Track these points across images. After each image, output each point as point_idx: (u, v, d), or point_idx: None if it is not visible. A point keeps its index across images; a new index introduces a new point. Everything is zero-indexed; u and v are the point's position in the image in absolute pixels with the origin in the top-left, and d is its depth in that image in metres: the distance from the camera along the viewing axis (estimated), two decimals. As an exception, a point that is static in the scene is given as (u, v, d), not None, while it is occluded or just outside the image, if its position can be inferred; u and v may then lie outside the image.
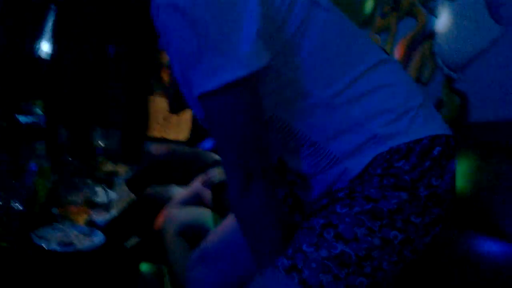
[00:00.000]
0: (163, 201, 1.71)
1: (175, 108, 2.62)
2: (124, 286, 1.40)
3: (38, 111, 1.88)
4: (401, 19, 1.80)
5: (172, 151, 2.00)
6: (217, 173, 1.54)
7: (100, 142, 1.91)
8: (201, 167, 1.92)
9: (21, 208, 1.07)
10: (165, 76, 4.37)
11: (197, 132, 2.47)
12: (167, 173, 1.95)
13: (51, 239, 1.08)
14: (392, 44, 1.85)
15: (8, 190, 1.08)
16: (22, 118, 1.42)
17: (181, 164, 1.97)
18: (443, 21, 1.52)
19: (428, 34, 1.60)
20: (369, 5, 2.18)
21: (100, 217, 1.29)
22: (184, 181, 1.87)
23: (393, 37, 1.85)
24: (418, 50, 1.67)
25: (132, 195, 1.60)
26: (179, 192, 1.79)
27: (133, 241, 1.69)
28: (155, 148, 2.03)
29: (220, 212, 1.39)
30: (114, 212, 1.36)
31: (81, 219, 1.22)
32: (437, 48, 1.56)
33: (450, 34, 1.49)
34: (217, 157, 2.08)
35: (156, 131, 4.78)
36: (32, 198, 1.20)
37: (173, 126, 4.04)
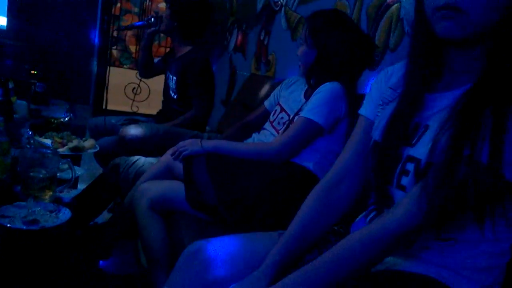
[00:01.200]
0: (131, 174, 1.67)
1: (147, 72, 2.55)
2: (97, 263, 1.37)
3: (-6, 84, 1.77)
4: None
5: (144, 135, 1.93)
6: (187, 145, 1.51)
7: (64, 116, 1.83)
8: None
9: (-21, 186, 1.01)
10: (132, 47, 4.21)
11: (169, 104, 2.42)
12: (139, 153, 1.90)
13: (14, 218, 1.04)
14: (360, 10, 1.83)
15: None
16: (-24, 92, 1.33)
17: (154, 147, 1.92)
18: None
19: (396, -1, 1.59)
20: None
21: (66, 194, 1.24)
22: (153, 153, 1.83)
23: (361, 2, 1.83)
24: (385, 15, 1.66)
25: (100, 169, 1.56)
26: (147, 162, 1.76)
27: (104, 216, 1.65)
28: (125, 130, 1.94)
29: (190, 184, 1.37)
30: (81, 187, 1.32)
31: (47, 196, 1.18)
32: (404, 13, 1.55)
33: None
34: (193, 134, 2.05)
35: (125, 106, 4.66)
36: (-9, 176, 1.15)
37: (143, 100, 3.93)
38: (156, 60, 2.60)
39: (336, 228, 0.93)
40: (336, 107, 1.39)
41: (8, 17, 3.59)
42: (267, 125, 1.65)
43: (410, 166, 0.73)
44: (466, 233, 0.71)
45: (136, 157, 1.80)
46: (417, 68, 0.79)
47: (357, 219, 0.92)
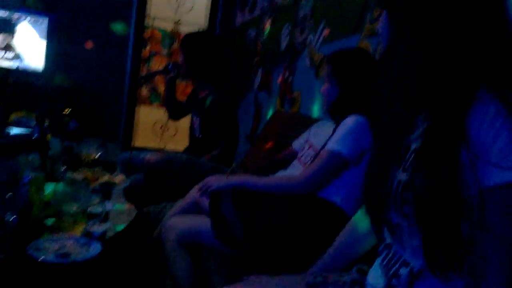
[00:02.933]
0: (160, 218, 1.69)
1: (174, 114, 2.63)
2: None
3: (32, 122, 1.86)
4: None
5: (167, 158, 1.99)
6: (214, 181, 1.52)
7: (96, 153, 1.89)
8: (197, 174, 1.92)
9: (16, 220, 1.05)
10: (161, 86, 4.35)
11: (195, 142, 2.47)
12: (163, 180, 1.94)
13: (47, 251, 1.06)
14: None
15: (3, 202, 1.06)
16: (16, 130, 1.40)
17: (177, 171, 1.96)
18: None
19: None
20: (358, 11, 2.20)
21: (97, 228, 1.27)
22: (180, 189, 1.86)
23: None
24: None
25: (130, 206, 1.59)
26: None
27: (133, 250, 1.66)
28: (150, 156, 2.01)
29: (217, 219, 1.38)
30: (111, 222, 1.34)
31: (78, 230, 1.20)
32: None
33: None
34: (212, 164, 2.08)
35: (154, 142, 4.79)
36: (26, 210, 1.18)
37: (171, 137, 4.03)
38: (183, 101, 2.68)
39: (357, 266, 0.90)
40: (360, 139, 1.39)
41: (45, 61, 3.80)
42: (294, 162, 1.66)
43: (409, 194, 0.69)
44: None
45: (164, 204, 1.82)
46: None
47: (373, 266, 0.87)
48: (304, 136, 1.80)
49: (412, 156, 0.70)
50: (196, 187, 1.56)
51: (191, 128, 2.52)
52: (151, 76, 2.86)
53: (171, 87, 2.54)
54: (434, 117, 0.67)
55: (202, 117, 2.36)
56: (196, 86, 2.48)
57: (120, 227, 1.29)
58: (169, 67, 2.45)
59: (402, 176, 0.70)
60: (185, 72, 2.40)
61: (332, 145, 1.40)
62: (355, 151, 1.38)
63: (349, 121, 1.40)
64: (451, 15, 0.67)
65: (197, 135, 2.43)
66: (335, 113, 1.51)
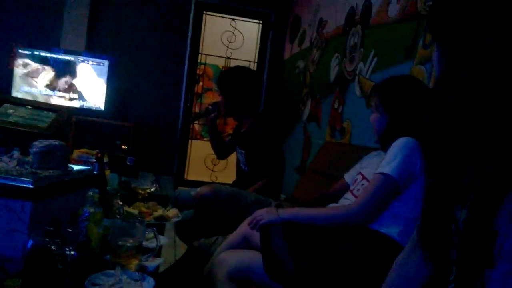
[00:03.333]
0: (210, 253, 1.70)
1: (220, 154, 2.69)
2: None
3: (92, 159, 1.96)
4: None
5: (214, 189, 2.01)
6: (264, 214, 1.51)
7: (150, 187, 1.95)
8: (242, 205, 1.93)
9: (75, 254, 1.09)
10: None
11: (242, 176, 2.49)
12: (212, 211, 1.95)
13: (103, 286, 1.09)
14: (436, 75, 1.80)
15: (63, 237, 1.11)
16: (77, 166, 1.49)
17: (223, 202, 1.98)
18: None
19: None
20: (410, 36, 2.16)
21: (151, 263, 1.29)
22: (229, 222, 1.87)
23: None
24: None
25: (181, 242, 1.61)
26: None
27: (184, 285, 1.67)
28: (200, 189, 2.05)
29: (268, 254, 1.36)
30: (164, 256, 1.36)
31: (132, 265, 1.23)
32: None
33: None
34: (258, 196, 2.07)
35: (206, 176, 4.88)
36: (85, 245, 1.23)
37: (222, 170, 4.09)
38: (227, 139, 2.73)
39: None
40: (409, 160, 1.33)
41: (105, 100, 4.05)
42: (347, 195, 1.61)
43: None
44: None
45: (214, 238, 1.83)
46: None
47: None
48: (356, 168, 1.75)
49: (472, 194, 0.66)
50: (246, 221, 1.55)
51: (237, 162, 2.55)
52: (194, 119, 2.97)
53: (213, 127, 2.60)
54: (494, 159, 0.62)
55: (246, 151, 2.39)
56: (238, 121, 2.53)
57: (172, 262, 1.30)
58: (210, 108, 2.52)
59: (463, 214, 0.66)
60: (225, 110, 2.45)
61: (380, 168, 1.36)
62: (403, 172, 1.33)
63: (397, 143, 1.36)
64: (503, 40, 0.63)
65: (244, 168, 2.45)
66: (385, 143, 1.47)
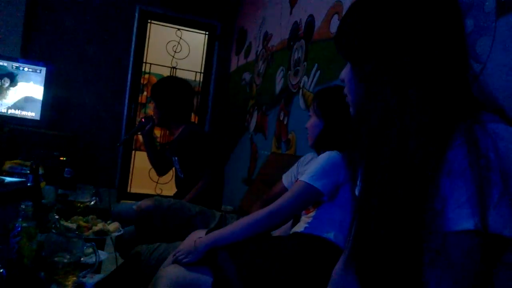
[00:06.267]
0: (153, 260, 1.65)
1: (161, 168, 2.64)
2: None
3: (26, 171, 1.84)
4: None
5: (156, 202, 1.97)
6: (184, 252, 1.43)
7: (90, 200, 1.86)
8: (185, 217, 1.91)
9: (3, 272, 1.01)
10: (157, 131, 4.37)
11: (181, 184, 2.46)
12: (152, 226, 1.91)
13: (36, 305, 1.02)
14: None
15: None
16: (9, 178, 1.38)
17: (165, 215, 1.95)
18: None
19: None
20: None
21: (89, 279, 1.22)
22: (170, 233, 1.82)
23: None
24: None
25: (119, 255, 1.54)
26: (168, 248, 1.73)
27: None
28: (141, 202, 1.99)
29: (213, 267, 1.34)
30: (104, 272, 1.30)
31: (70, 282, 1.16)
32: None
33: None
34: (200, 208, 2.05)
35: (150, 188, 4.76)
36: (17, 261, 1.15)
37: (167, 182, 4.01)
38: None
39: None
40: (330, 170, 1.41)
41: (42, 110, 3.83)
42: None
43: None
44: None
45: (157, 244, 1.77)
46: None
47: None
48: (293, 171, 1.82)
49: None
50: (192, 235, 1.51)
51: (175, 172, 2.52)
52: (129, 136, 2.92)
53: (149, 140, 2.56)
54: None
55: (179, 157, 2.38)
56: (170, 130, 2.52)
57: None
58: (143, 121, 2.50)
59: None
60: (159, 120, 2.46)
61: (303, 176, 1.43)
62: (324, 180, 1.40)
63: (323, 155, 1.46)
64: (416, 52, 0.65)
65: (180, 175, 2.43)
66: (320, 147, 1.56)
